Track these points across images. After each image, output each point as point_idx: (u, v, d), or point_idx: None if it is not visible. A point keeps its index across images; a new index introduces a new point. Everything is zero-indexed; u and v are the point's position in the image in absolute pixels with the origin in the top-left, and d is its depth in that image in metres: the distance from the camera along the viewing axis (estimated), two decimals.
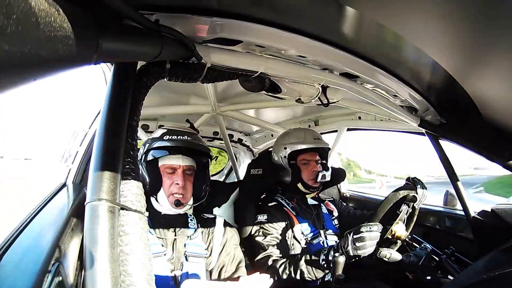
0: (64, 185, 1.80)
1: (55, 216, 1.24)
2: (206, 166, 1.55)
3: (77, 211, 1.30)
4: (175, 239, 1.42)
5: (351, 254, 1.44)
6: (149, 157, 1.44)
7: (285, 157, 1.94)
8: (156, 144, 1.42)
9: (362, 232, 1.44)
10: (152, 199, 1.45)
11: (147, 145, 1.46)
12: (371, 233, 1.43)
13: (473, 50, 0.86)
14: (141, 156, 1.46)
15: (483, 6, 0.65)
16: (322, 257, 1.55)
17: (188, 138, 1.45)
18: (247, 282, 1.12)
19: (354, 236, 1.45)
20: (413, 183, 1.64)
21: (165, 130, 1.48)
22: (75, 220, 1.23)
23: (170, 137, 1.43)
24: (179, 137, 1.44)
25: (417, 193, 1.60)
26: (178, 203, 1.40)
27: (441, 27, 0.78)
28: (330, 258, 1.50)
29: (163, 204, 1.43)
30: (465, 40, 0.81)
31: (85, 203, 0.66)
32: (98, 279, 0.59)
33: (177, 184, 1.41)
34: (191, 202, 1.48)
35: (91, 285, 0.59)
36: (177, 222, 1.46)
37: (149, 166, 1.44)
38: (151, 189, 1.43)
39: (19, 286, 0.71)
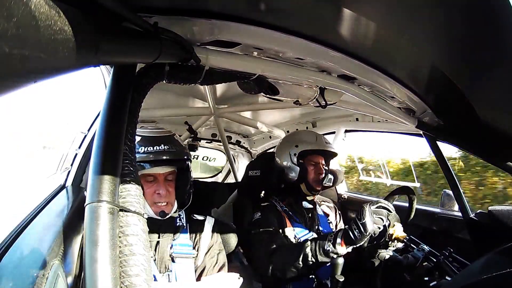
0: (63, 186, 1.80)
1: (55, 217, 1.24)
2: (187, 169, 1.49)
3: (77, 213, 1.30)
4: (158, 242, 1.39)
5: (368, 228, 1.38)
6: None
7: (295, 154, 1.93)
8: None
9: (365, 209, 1.41)
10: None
11: None
12: (372, 208, 1.43)
13: (471, 53, 0.87)
14: None
15: (482, 9, 0.65)
16: (329, 240, 1.49)
17: (165, 147, 1.37)
18: (210, 282, 1.09)
19: (372, 207, 1.43)
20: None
21: (138, 138, 1.38)
22: (75, 221, 1.23)
23: (146, 149, 1.35)
24: (155, 147, 1.36)
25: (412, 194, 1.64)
26: (163, 214, 1.37)
27: (439, 29, 0.78)
28: (338, 240, 1.46)
29: (147, 212, 1.37)
30: (463, 42, 0.82)
31: (85, 205, 0.66)
32: (97, 280, 0.60)
33: (159, 194, 1.36)
34: (175, 206, 1.44)
35: (91, 286, 0.59)
36: (162, 224, 1.42)
37: None
38: None
39: (19, 287, 0.71)
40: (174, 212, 1.45)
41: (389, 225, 1.55)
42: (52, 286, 0.78)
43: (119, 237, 0.68)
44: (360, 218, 1.41)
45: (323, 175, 1.92)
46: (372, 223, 1.40)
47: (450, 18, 0.71)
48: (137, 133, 1.38)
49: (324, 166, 1.97)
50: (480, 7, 0.65)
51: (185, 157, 1.44)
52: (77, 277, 1.05)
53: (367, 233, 1.39)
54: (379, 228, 1.43)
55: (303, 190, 1.95)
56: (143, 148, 1.36)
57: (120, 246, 0.67)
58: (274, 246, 1.66)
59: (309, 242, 1.56)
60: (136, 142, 1.34)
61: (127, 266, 0.67)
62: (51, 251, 0.91)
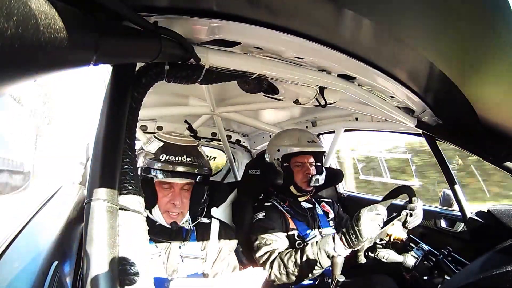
0: (64, 185, 1.80)
1: (55, 216, 1.24)
2: (206, 181, 1.43)
3: (77, 211, 1.30)
4: (169, 243, 1.38)
5: (364, 235, 1.41)
6: (144, 175, 1.35)
7: (278, 159, 1.93)
8: (153, 165, 1.33)
9: (362, 215, 1.43)
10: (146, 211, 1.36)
11: (142, 159, 1.37)
12: (369, 214, 1.43)
13: (470, 52, 0.87)
14: None
15: (481, 9, 0.65)
16: (328, 243, 1.51)
17: (188, 159, 1.33)
18: (238, 277, 1.08)
19: (370, 213, 1.44)
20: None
21: (161, 144, 1.36)
22: (75, 220, 1.23)
23: (168, 157, 1.32)
24: (177, 158, 1.32)
25: (414, 198, 1.63)
26: (175, 225, 1.35)
27: (439, 29, 0.78)
28: (338, 242, 1.49)
29: (158, 219, 1.37)
30: (463, 42, 0.82)
31: (84, 203, 0.66)
32: (97, 279, 0.60)
33: (174, 203, 1.34)
34: (187, 216, 1.42)
35: (90, 285, 0.60)
36: (172, 230, 1.40)
37: (143, 181, 1.28)
38: (145, 204, 1.33)
39: (19, 286, 0.71)
40: (186, 221, 1.43)
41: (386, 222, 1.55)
42: (51, 286, 0.78)
43: (118, 235, 0.68)
44: (357, 224, 1.43)
45: (311, 174, 1.90)
46: (368, 229, 1.42)
47: (450, 17, 0.71)
48: (160, 138, 1.38)
49: (312, 164, 1.95)
50: (480, 7, 0.65)
51: (206, 170, 1.39)
52: (77, 276, 1.05)
53: (364, 239, 1.42)
54: (376, 233, 1.46)
55: (293, 192, 1.94)
56: (164, 156, 1.32)
57: (119, 245, 0.67)
58: (275, 255, 1.66)
59: (309, 246, 1.57)
60: (158, 148, 1.34)
61: (126, 264, 0.67)
62: (51, 250, 0.91)
